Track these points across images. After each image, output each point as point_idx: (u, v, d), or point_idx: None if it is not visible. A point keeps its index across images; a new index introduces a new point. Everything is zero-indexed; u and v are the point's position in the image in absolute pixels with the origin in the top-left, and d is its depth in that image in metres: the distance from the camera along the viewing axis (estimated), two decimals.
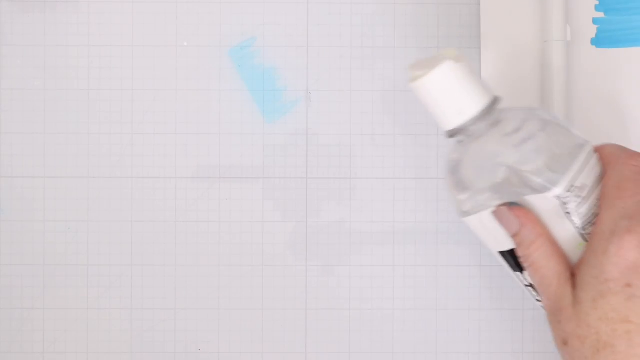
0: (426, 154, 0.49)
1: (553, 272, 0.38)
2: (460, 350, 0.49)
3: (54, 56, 0.49)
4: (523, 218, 0.38)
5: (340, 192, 0.49)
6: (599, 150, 0.39)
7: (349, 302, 0.49)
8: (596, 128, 0.40)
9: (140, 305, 0.49)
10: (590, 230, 0.38)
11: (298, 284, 0.49)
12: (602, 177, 0.38)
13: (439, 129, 0.41)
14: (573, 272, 0.38)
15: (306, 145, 0.49)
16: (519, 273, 0.40)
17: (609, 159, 0.39)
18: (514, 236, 0.38)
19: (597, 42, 0.48)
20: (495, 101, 0.39)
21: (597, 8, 0.48)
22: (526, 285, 0.41)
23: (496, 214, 0.39)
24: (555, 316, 0.38)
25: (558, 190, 0.37)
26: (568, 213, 0.37)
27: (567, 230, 0.38)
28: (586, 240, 0.38)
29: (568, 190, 0.37)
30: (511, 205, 0.38)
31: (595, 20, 0.48)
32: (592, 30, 0.48)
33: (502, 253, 0.40)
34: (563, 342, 0.37)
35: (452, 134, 0.39)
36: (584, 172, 0.38)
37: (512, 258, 0.40)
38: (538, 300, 0.40)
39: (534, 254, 0.38)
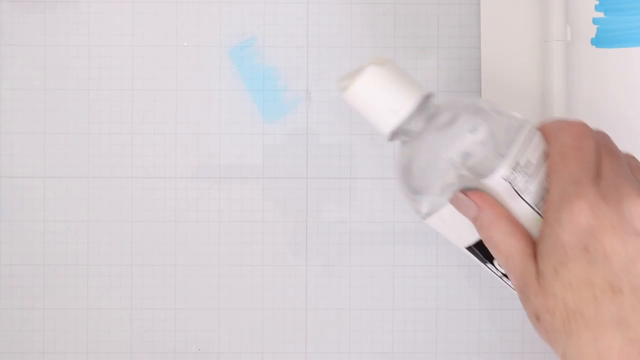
0: None
1: (516, 250, 0.37)
2: (460, 350, 0.49)
3: (54, 56, 0.49)
4: (480, 201, 0.38)
5: (340, 192, 0.49)
6: (541, 128, 0.39)
7: (349, 302, 0.49)
8: (596, 128, 0.40)
9: (140, 305, 0.49)
10: (543, 204, 0.38)
11: (298, 284, 0.49)
12: (545, 152, 0.39)
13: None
14: (534, 248, 0.38)
15: (306, 145, 0.49)
16: (490, 265, 0.40)
17: (550, 132, 0.39)
18: (474, 220, 0.38)
19: (597, 42, 0.48)
20: (427, 97, 0.39)
21: (597, 8, 0.48)
22: (500, 276, 0.41)
23: (453, 202, 0.39)
24: (524, 294, 0.37)
25: (502, 171, 0.37)
26: (519, 192, 0.38)
27: (522, 208, 0.38)
28: (542, 216, 0.38)
29: (513, 169, 0.37)
30: (467, 190, 0.38)
31: (595, 20, 0.48)
32: (592, 30, 0.48)
33: (469, 248, 0.40)
34: (536, 318, 0.37)
35: (392, 136, 0.39)
36: (528, 150, 0.38)
37: (479, 251, 0.40)
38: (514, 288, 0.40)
39: (495, 235, 0.38)
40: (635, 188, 0.36)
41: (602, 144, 0.38)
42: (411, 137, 0.39)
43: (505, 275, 0.40)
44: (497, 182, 0.37)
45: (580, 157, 0.37)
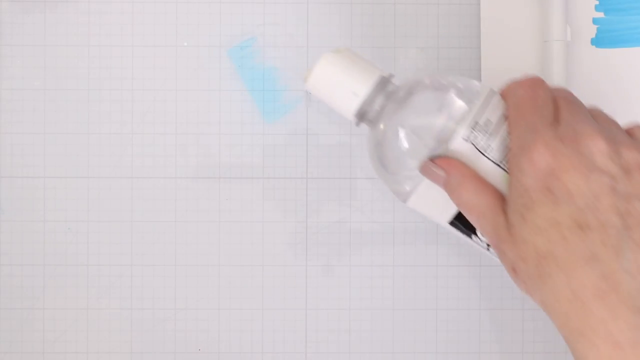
0: None
1: (485, 206, 0.38)
2: (460, 350, 0.49)
3: (54, 56, 0.49)
4: (446, 165, 0.38)
5: (340, 192, 0.49)
6: (501, 91, 0.40)
7: (349, 302, 0.49)
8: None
9: (140, 305, 0.49)
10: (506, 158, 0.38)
11: (298, 284, 0.49)
12: (506, 111, 0.39)
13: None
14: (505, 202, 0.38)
15: (306, 145, 0.49)
16: (474, 237, 0.41)
17: (507, 90, 0.39)
18: (445, 186, 0.39)
19: (597, 42, 0.48)
20: (385, 77, 0.41)
21: (597, 8, 0.48)
22: (486, 248, 0.41)
23: (423, 171, 0.39)
24: (498, 248, 0.37)
25: (462, 131, 0.38)
26: (482, 151, 0.38)
27: (488, 166, 0.38)
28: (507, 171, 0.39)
29: (473, 129, 0.38)
30: (434, 158, 0.39)
31: (595, 20, 0.48)
32: (592, 30, 0.48)
33: (452, 223, 0.41)
34: (513, 271, 0.37)
35: (357, 119, 0.41)
36: (487, 110, 0.39)
37: (460, 223, 0.41)
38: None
39: (464, 196, 0.38)
40: (593, 128, 0.36)
41: (559, 95, 0.39)
42: (375, 119, 0.40)
43: (489, 245, 0.40)
44: (459, 144, 0.38)
45: (535, 106, 0.38)
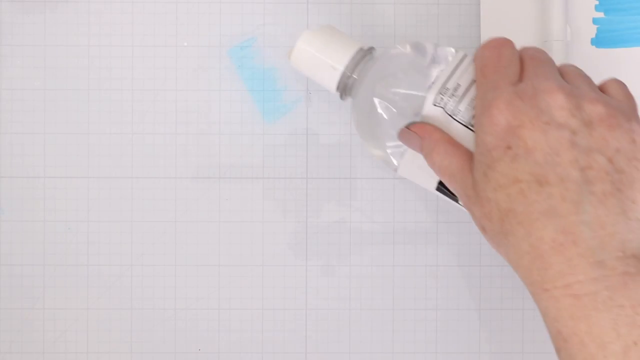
0: None
1: (456, 168, 0.38)
2: (460, 350, 0.49)
3: (54, 56, 0.49)
4: (420, 130, 0.39)
5: (340, 192, 0.49)
6: (474, 54, 0.41)
7: (349, 302, 0.49)
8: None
9: (140, 305, 0.49)
10: None
11: (298, 284, 0.49)
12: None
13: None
14: None
15: (306, 145, 0.49)
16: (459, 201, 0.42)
17: (476, 54, 0.40)
18: (421, 151, 0.40)
19: (597, 42, 0.48)
20: (364, 49, 0.42)
21: (597, 8, 0.48)
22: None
23: (401, 138, 0.40)
24: (468, 208, 0.38)
25: (431, 97, 0.39)
26: (451, 114, 0.39)
27: (458, 129, 0.39)
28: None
29: (442, 95, 0.39)
30: (409, 125, 0.40)
31: (595, 20, 0.48)
32: (592, 30, 0.48)
33: (438, 188, 0.42)
34: (482, 229, 0.37)
35: (341, 93, 0.42)
36: (455, 74, 0.40)
37: (446, 188, 0.42)
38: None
39: (437, 158, 0.39)
40: (553, 83, 0.36)
41: (526, 53, 0.39)
42: (355, 91, 0.42)
43: None
44: (430, 109, 0.39)
45: (498, 66, 0.38)
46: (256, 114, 0.49)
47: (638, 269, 0.34)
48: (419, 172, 0.42)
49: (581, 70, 0.39)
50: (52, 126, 0.49)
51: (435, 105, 0.39)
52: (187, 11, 0.49)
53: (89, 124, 0.49)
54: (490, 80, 0.38)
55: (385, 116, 0.41)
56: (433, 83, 0.40)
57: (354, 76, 0.42)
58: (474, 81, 0.39)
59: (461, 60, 0.40)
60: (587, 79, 0.39)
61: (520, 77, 0.38)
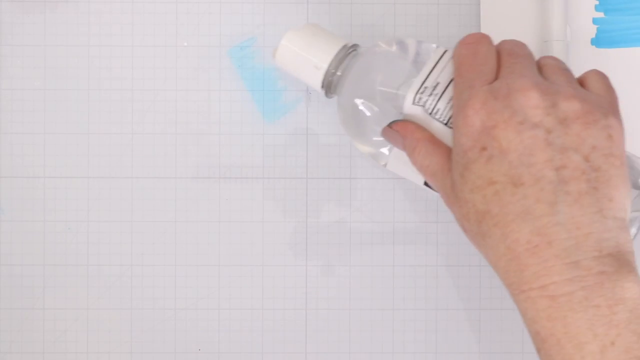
0: None
1: (437, 167, 0.38)
2: (460, 350, 0.49)
3: (54, 56, 0.49)
4: (402, 129, 0.39)
5: (340, 192, 0.49)
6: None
7: (349, 302, 0.49)
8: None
9: (140, 305, 0.49)
10: None
11: (298, 284, 0.49)
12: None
13: None
14: None
15: (306, 145, 0.49)
16: None
17: (454, 51, 0.40)
18: (404, 149, 0.39)
19: (597, 42, 0.48)
20: (348, 47, 0.42)
21: (597, 8, 0.48)
22: None
23: (384, 137, 0.40)
24: (449, 207, 0.38)
25: (410, 96, 0.39)
26: (431, 113, 0.39)
27: (438, 127, 0.39)
28: None
29: (421, 93, 0.39)
30: (392, 123, 0.40)
31: (595, 20, 0.48)
32: (592, 30, 0.48)
33: (426, 182, 0.42)
34: (462, 229, 0.37)
35: (326, 91, 0.42)
36: (434, 72, 0.39)
37: None
38: None
39: (419, 157, 0.39)
40: (528, 81, 0.36)
41: (504, 49, 0.39)
42: (340, 89, 0.42)
43: None
44: (410, 108, 0.39)
45: (474, 64, 0.38)
46: (256, 114, 0.49)
47: (615, 268, 0.33)
48: (406, 167, 0.41)
49: (560, 62, 0.39)
50: (52, 126, 0.49)
51: (414, 104, 0.39)
52: (187, 11, 0.49)
53: (89, 124, 0.49)
54: (466, 79, 0.37)
55: (368, 114, 0.41)
56: (413, 81, 0.39)
57: (338, 73, 0.42)
58: (452, 79, 0.39)
59: (441, 57, 0.40)
60: (566, 72, 0.38)
61: (497, 75, 0.37)
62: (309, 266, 0.49)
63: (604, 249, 0.34)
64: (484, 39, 0.39)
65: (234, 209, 0.49)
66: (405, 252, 0.49)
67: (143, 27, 0.49)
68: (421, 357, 0.49)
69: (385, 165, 0.43)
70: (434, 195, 0.46)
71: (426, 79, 0.39)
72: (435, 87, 0.39)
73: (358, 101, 0.41)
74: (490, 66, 0.38)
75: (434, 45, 0.41)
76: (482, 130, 0.35)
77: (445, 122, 0.39)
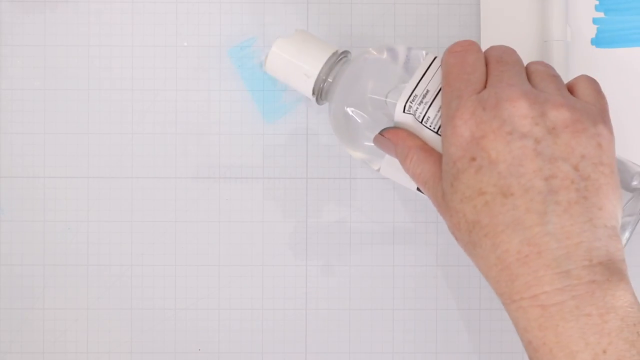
0: None
1: (428, 175, 0.38)
2: (460, 350, 0.49)
3: (54, 56, 0.49)
4: (394, 137, 0.39)
5: (340, 192, 0.49)
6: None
7: (349, 302, 0.49)
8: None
9: (140, 305, 0.49)
10: None
11: (298, 284, 0.49)
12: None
13: None
14: None
15: (306, 145, 0.49)
16: None
17: (442, 59, 0.40)
18: (396, 157, 0.40)
19: (597, 42, 0.48)
20: (338, 54, 0.42)
21: (597, 8, 0.48)
22: None
23: (376, 143, 0.40)
24: (441, 215, 0.38)
25: (400, 105, 0.39)
26: (421, 121, 0.39)
27: (429, 135, 0.39)
28: None
29: (411, 102, 0.39)
30: (384, 130, 0.40)
31: (595, 20, 0.48)
32: (592, 30, 0.48)
33: (419, 189, 0.42)
34: (455, 237, 0.37)
35: (317, 98, 0.43)
36: (424, 80, 0.39)
37: None
38: None
39: (411, 165, 0.39)
40: (516, 90, 0.36)
41: (492, 56, 0.38)
42: (331, 97, 0.42)
43: None
44: (400, 116, 0.39)
45: (462, 73, 0.37)
46: (256, 114, 0.49)
47: (606, 276, 0.33)
48: (399, 173, 0.42)
49: (550, 68, 0.39)
50: (52, 126, 0.49)
51: (405, 112, 0.39)
52: (187, 11, 0.49)
53: (89, 124, 0.49)
54: (454, 89, 0.37)
55: (359, 121, 0.41)
56: (403, 89, 0.39)
57: (329, 80, 0.42)
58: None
59: (430, 65, 0.40)
60: (555, 79, 0.38)
61: (486, 83, 0.37)
62: (309, 266, 0.49)
63: (595, 258, 0.34)
64: (472, 46, 0.39)
65: (234, 209, 0.49)
66: (405, 252, 0.49)
67: (143, 27, 0.49)
68: (421, 357, 0.49)
69: (378, 169, 0.43)
70: None
71: (416, 86, 0.39)
72: (425, 95, 0.39)
73: (349, 109, 0.41)
74: (479, 75, 0.37)
75: (424, 52, 0.41)
76: (471, 140, 0.35)
77: (435, 130, 0.39)
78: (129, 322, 0.49)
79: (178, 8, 0.49)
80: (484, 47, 0.48)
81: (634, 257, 0.48)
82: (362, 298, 0.49)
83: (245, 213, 0.49)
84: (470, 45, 0.39)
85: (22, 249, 0.48)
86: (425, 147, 0.39)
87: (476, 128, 0.35)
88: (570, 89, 0.38)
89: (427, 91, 0.39)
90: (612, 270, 0.34)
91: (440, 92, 0.39)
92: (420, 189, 0.40)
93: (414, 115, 0.39)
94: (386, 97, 0.40)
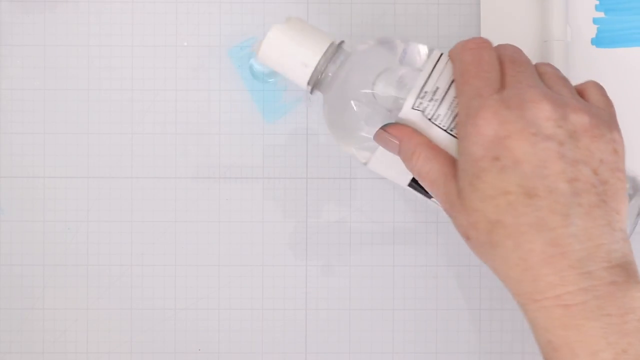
0: None
1: (438, 173, 0.38)
2: (460, 350, 0.49)
3: (54, 56, 0.49)
4: (399, 133, 0.39)
5: (340, 192, 0.49)
6: (449, 56, 0.40)
7: (349, 302, 0.49)
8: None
9: (140, 305, 0.49)
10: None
11: (298, 284, 0.49)
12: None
13: None
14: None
15: (306, 145, 0.49)
16: (432, 199, 0.41)
17: (453, 54, 0.39)
18: (399, 154, 0.39)
19: (597, 42, 0.48)
20: (336, 44, 0.41)
21: (597, 8, 0.48)
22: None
23: (377, 139, 0.40)
24: (451, 215, 0.38)
25: (410, 101, 0.38)
26: (430, 118, 0.38)
27: (438, 133, 0.38)
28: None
29: (421, 98, 0.38)
30: (387, 126, 0.39)
31: (595, 20, 0.48)
32: (592, 30, 0.48)
33: (411, 185, 0.41)
34: (466, 238, 0.37)
35: (312, 89, 0.41)
36: (434, 76, 0.39)
37: (419, 186, 0.41)
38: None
39: (417, 163, 0.38)
40: (539, 92, 0.36)
41: (505, 55, 0.38)
42: (328, 87, 0.41)
43: None
44: (408, 112, 0.39)
45: (480, 71, 0.37)
46: (256, 114, 0.49)
47: (624, 278, 0.34)
48: (391, 168, 0.41)
49: (558, 71, 0.39)
50: (52, 126, 0.49)
51: (414, 109, 0.39)
52: (187, 11, 0.49)
53: (89, 124, 0.49)
54: (473, 87, 0.37)
55: (357, 112, 0.40)
56: (411, 85, 0.39)
57: (328, 72, 0.41)
58: (451, 83, 0.39)
59: (438, 60, 0.39)
60: (566, 82, 0.38)
61: (502, 83, 0.37)
62: (309, 266, 0.49)
63: (613, 260, 0.34)
64: (486, 44, 0.39)
65: (234, 209, 0.49)
66: (405, 252, 0.49)
67: (143, 27, 0.49)
68: (421, 357, 0.49)
69: (365, 163, 0.42)
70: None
71: (425, 82, 0.39)
72: (435, 92, 0.39)
73: (347, 100, 0.40)
74: (496, 73, 0.37)
75: (424, 46, 0.41)
76: (494, 139, 0.35)
77: (445, 128, 0.38)
78: (129, 322, 0.49)
79: (178, 8, 0.49)
80: None
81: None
82: (362, 298, 0.49)
83: (245, 213, 0.49)
84: (485, 43, 0.39)
85: (22, 249, 0.48)
86: (433, 145, 0.38)
87: (500, 127, 0.35)
88: (580, 93, 0.39)
89: (437, 88, 0.39)
90: (629, 272, 0.35)
91: (450, 89, 0.39)
92: (427, 188, 0.39)
93: (423, 112, 0.38)
94: (390, 93, 0.39)
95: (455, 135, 0.38)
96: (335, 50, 0.41)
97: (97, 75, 0.49)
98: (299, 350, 0.49)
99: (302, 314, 0.49)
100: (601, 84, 0.40)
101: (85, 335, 0.49)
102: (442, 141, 0.39)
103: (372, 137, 0.40)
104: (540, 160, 0.35)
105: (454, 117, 0.38)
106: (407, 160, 0.39)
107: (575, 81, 0.48)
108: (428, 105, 0.38)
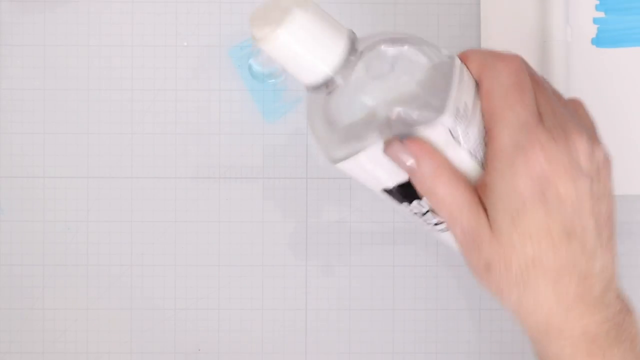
0: None
1: (462, 202, 0.35)
2: (460, 350, 0.49)
3: (54, 56, 0.49)
4: (418, 150, 0.34)
5: (340, 192, 0.49)
6: (463, 60, 0.37)
7: (349, 302, 0.49)
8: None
9: (140, 305, 0.49)
10: (486, 149, 0.35)
11: (298, 284, 0.49)
12: (477, 90, 0.36)
13: None
14: (480, 197, 0.35)
15: (306, 145, 0.49)
16: (406, 203, 0.37)
17: (480, 68, 0.36)
18: (410, 171, 0.35)
19: (597, 42, 0.48)
20: (352, 39, 0.34)
21: (597, 8, 0.48)
22: (415, 214, 0.38)
23: (388, 151, 0.35)
24: (472, 245, 0.35)
25: (446, 119, 0.33)
26: (459, 139, 0.34)
27: (460, 156, 0.35)
28: (480, 163, 0.35)
29: (455, 117, 0.34)
30: (402, 139, 0.34)
31: (595, 20, 0.48)
32: (592, 30, 0.48)
33: (388, 191, 0.37)
34: (486, 269, 0.35)
35: (319, 85, 0.34)
36: (462, 91, 0.34)
37: (398, 192, 0.37)
38: (436, 224, 0.38)
39: (437, 187, 0.35)
40: (575, 124, 0.35)
41: (531, 76, 0.36)
42: (338, 84, 0.34)
43: (425, 214, 0.37)
44: (438, 129, 0.34)
45: (523, 98, 0.35)
46: (256, 114, 0.49)
47: (626, 306, 0.36)
48: (368, 172, 0.36)
49: (555, 88, 0.38)
50: (52, 126, 0.49)
51: (445, 126, 0.34)
52: (187, 11, 0.49)
53: (89, 124, 0.49)
54: (519, 115, 0.34)
55: (374, 119, 0.34)
56: (444, 101, 0.34)
57: (344, 72, 0.34)
58: (475, 97, 0.35)
59: (461, 71, 0.35)
60: (564, 101, 0.38)
61: (538, 110, 0.35)
62: (309, 266, 0.49)
63: (616, 290, 0.36)
64: (524, 65, 0.36)
65: (234, 209, 0.49)
66: (405, 252, 0.49)
67: (143, 27, 0.49)
68: (421, 357, 0.49)
69: (334, 162, 0.36)
70: None
71: (456, 98, 0.34)
72: (465, 110, 0.34)
73: (361, 108, 0.34)
74: (534, 100, 0.35)
75: (445, 51, 0.36)
76: (542, 177, 0.34)
77: (471, 151, 0.35)
78: (129, 322, 0.49)
79: (178, 8, 0.49)
80: (484, 46, 0.48)
81: (634, 257, 0.48)
82: (362, 298, 0.49)
83: (245, 213, 0.49)
84: (520, 62, 0.36)
85: (21, 249, 0.48)
86: (455, 171, 0.35)
87: (548, 164, 0.34)
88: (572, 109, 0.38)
89: (467, 106, 0.34)
90: (625, 301, 0.36)
91: (477, 106, 0.35)
92: (443, 216, 0.36)
93: (452, 131, 0.34)
94: (418, 103, 0.34)
95: (478, 159, 0.35)
96: (353, 47, 0.34)
97: (97, 75, 0.49)
98: (299, 350, 0.49)
99: (302, 314, 0.49)
100: (598, 81, 0.40)
101: (85, 335, 0.49)
102: (463, 164, 0.35)
103: (364, 141, 0.35)
104: (578, 199, 0.34)
105: (480, 140, 0.35)
106: (423, 182, 0.35)
107: (575, 81, 0.48)
108: (460, 124, 0.34)
